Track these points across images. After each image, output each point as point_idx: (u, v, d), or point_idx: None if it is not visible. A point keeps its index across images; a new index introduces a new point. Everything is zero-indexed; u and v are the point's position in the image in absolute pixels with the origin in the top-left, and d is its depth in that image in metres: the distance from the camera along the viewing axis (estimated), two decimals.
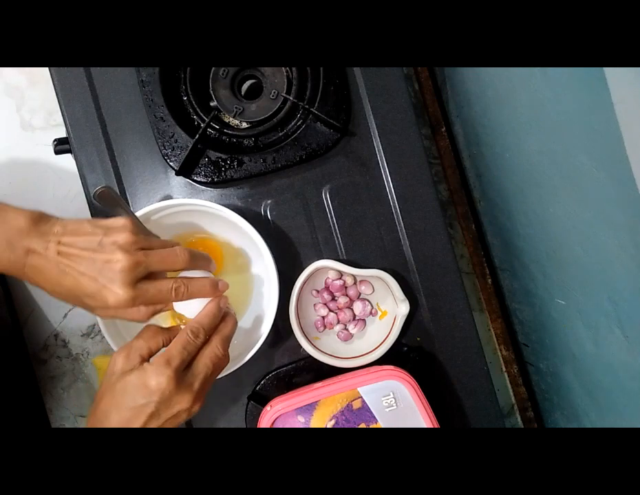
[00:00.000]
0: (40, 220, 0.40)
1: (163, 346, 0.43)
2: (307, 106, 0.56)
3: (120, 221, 0.41)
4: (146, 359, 0.41)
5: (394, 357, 0.58)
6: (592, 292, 0.61)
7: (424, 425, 0.54)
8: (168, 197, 0.58)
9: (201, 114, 0.57)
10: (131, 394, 0.39)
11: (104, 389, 0.41)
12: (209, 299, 0.46)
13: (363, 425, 0.53)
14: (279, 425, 0.53)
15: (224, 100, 0.58)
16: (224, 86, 0.58)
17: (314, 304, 0.59)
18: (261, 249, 0.52)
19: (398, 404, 0.53)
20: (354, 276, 0.59)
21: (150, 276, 0.41)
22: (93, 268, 0.39)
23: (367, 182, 0.60)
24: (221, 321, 0.46)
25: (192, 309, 0.46)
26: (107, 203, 0.49)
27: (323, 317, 0.59)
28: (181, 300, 0.43)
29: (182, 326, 0.44)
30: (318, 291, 0.59)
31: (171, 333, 0.44)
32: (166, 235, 0.55)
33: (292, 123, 0.59)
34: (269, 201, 0.59)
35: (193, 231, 0.56)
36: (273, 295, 0.53)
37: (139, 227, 0.43)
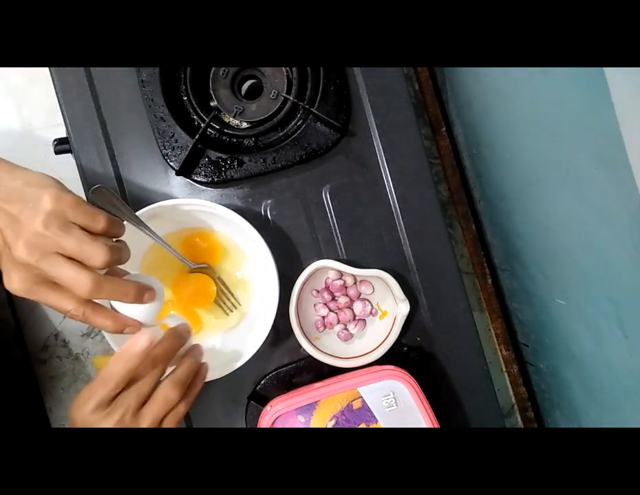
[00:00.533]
0: None
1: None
2: (307, 106, 0.56)
3: (43, 197, 0.37)
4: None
5: (394, 357, 0.58)
6: (592, 292, 0.61)
7: (424, 425, 0.54)
8: (168, 197, 0.58)
9: (202, 114, 0.57)
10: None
11: None
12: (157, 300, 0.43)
13: (363, 425, 0.53)
14: (279, 425, 0.53)
15: (224, 100, 0.58)
16: (224, 86, 0.58)
17: (314, 304, 0.59)
18: (261, 249, 0.52)
19: (398, 404, 0.53)
20: (354, 276, 0.59)
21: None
22: (3, 250, 0.37)
23: (367, 182, 0.60)
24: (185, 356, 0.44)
25: (132, 309, 0.42)
26: (102, 202, 0.49)
27: (323, 317, 0.59)
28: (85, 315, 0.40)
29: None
30: (318, 291, 0.59)
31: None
32: (166, 234, 0.55)
33: (292, 123, 0.59)
34: (269, 201, 0.59)
35: (193, 230, 0.56)
36: (273, 295, 0.53)
37: (60, 211, 0.37)
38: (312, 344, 0.57)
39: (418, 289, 0.60)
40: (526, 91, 0.61)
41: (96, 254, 0.38)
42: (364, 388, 0.54)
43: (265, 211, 0.59)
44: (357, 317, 0.59)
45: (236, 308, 0.56)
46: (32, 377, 0.96)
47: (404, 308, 0.56)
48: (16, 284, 0.37)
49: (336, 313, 0.59)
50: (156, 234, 0.51)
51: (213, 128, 0.58)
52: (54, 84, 0.57)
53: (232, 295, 0.56)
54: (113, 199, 0.49)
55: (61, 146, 0.59)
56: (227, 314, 0.56)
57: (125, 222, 0.50)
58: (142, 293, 0.41)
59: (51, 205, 0.37)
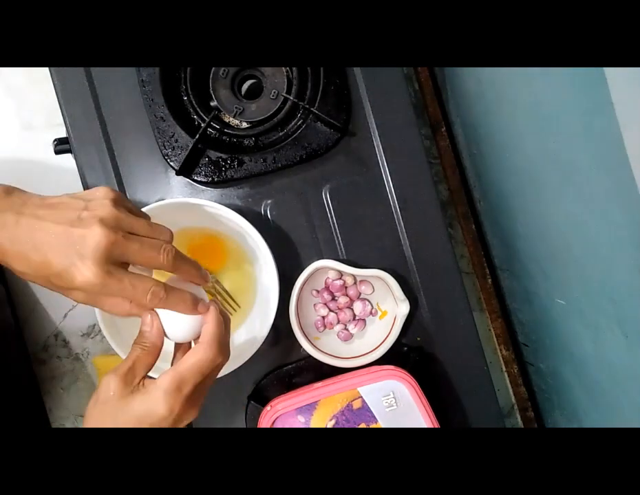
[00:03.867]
0: (12, 192, 0.37)
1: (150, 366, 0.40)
2: (307, 106, 0.56)
3: (100, 191, 0.38)
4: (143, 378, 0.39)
5: (394, 357, 0.58)
6: (592, 292, 0.61)
7: (424, 425, 0.54)
8: (168, 197, 0.58)
9: (202, 114, 0.57)
10: (135, 419, 0.37)
11: (97, 414, 0.37)
12: (194, 317, 0.41)
13: (363, 425, 0.53)
14: (279, 425, 0.53)
15: (224, 99, 0.58)
16: (224, 86, 0.58)
17: (314, 304, 0.59)
18: (261, 249, 0.52)
19: (398, 404, 0.53)
20: (354, 276, 0.59)
21: (125, 266, 0.37)
22: (66, 243, 0.34)
23: (367, 182, 0.60)
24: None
25: (175, 327, 0.41)
26: None
27: (323, 317, 0.59)
28: (156, 307, 0.39)
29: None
30: (318, 291, 0.59)
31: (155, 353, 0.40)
32: None
33: (292, 123, 0.59)
34: (269, 201, 0.59)
35: (193, 231, 0.56)
36: (273, 295, 0.53)
37: (122, 201, 0.39)
38: (312, 344, 0.57)
39: (418, 289, 0.60)
40: (526, 91, 0.61)
41: (164, 230, 0.40)
42: (364, 388, 0.54)
43: (265, 211, 0.59)
44: (357, 317, 0.59)
45: (235, 311, 0.56)
46: (32, 377, 0.96)
47: (404, 308, 0.56)
48: (91, 270, 0.34)
49: (336, 313, 0.59)
50: (146, 214, 0.51)
51: (213, 128, 0.58)
52: (54, 84, 0.57)
53: (231, 297, 0.56)
54: None
55: (61, 146, 0.59)
56: None
57: None
58: (197, 302, 0.40)
59: (105, 190, 0.38)
